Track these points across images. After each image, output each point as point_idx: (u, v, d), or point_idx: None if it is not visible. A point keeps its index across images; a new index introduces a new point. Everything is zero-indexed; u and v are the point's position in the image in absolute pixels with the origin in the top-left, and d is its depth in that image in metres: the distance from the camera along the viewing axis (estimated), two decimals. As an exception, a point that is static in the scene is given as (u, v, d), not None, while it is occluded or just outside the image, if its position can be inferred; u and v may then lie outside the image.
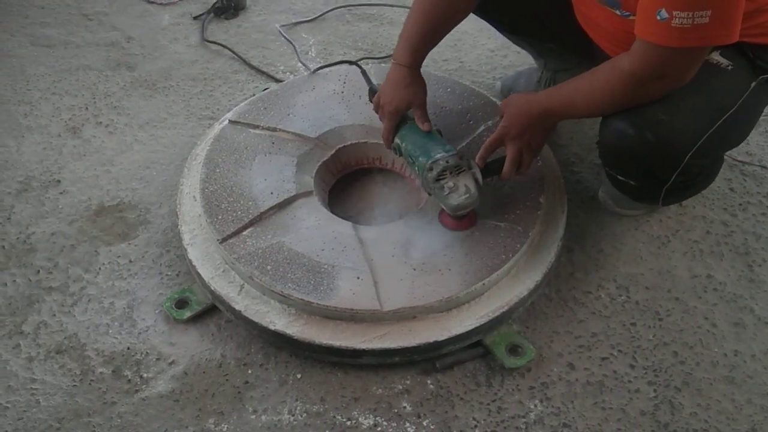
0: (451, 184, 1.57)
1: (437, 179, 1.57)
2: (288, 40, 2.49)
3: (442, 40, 1.73)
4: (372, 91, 1.79)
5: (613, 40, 1.60)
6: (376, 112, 1.73)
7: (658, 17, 1.29)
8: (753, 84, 1.51)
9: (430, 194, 1.64)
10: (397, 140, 1.69)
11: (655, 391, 1.52)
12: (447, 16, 1.69)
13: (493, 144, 1.59)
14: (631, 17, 1.40)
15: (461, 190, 1.57)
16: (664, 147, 1.49)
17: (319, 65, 2.10)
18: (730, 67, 1.48)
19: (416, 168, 1.63)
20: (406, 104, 1.67)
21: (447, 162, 1.57)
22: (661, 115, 1.46)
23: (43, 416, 1.50)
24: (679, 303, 1.68)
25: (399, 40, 1.70)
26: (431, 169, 1.58)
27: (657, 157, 1.52)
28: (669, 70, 1.40)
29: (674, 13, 1.27)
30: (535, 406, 1.50)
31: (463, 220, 1.65)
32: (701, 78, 1.43)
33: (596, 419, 1.48)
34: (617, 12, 1.51)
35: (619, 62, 1.43)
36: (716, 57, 1.49)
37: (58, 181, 2.00)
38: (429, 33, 1.68)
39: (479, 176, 1.59)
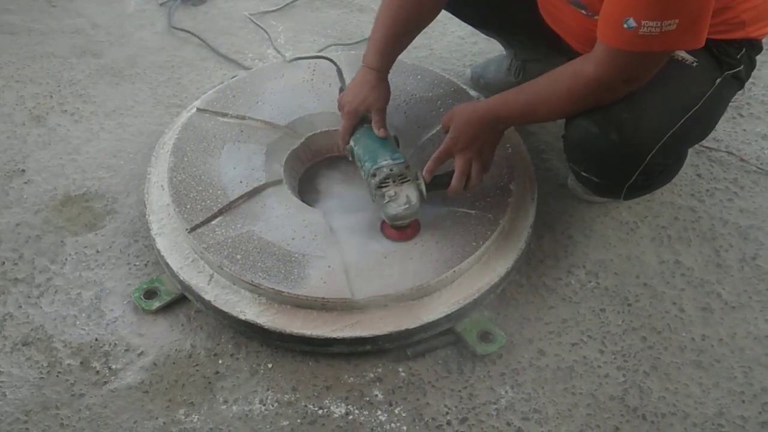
0: (392, 192, 1.55)
1: (379, 186, 1.55)
2: (260, 27, 2.46)
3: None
4: (341, 91, 1.77)
5: (580, 38, 1.59)
6: (340, 111, 1.70)
7: (625, 25, 1.28)
8: (718, 80, 1.52)
9: (373, 201, 1.60)
10: (351, 142, 1.66)
11: (624, 375, 1.54)
12: (414, 20, 1.69)
13: (441, 156, 1.56)
14: (597, 17, 1.39)
15: (401, 200, 1.55)
16: (628, 146, 1.49)
17: (295, 56, 2.07)
18: (694, 64, 1.49)
19: (362, 173, 1.61)
20: (365, 106, 1.65)
21: (391, 170, 1.55)
22: (626, 113, 1.45)
23: (9, 409, 1.48)
24: (648, 288, 1.69)
25: (368, 42, 1.69)
26: (374, 175, 1.56)
27: (620, 157, 1.52)
28: (635, 73, 1.40)
29: (643, 22, 1.27)
30: (506, 392, 1.51)
31: (404, 230, 1.62)
32: (666, 74, 1.43)
33: (566, 404, 1.49)
34: (583, 12, 1.51)
35: (581, 68, 1.41)
36: (681, 53, 1.48)
37: (23, 171, 1.97)
38: (396, 36, 1.68)
39: (423, 188, 1.56)
